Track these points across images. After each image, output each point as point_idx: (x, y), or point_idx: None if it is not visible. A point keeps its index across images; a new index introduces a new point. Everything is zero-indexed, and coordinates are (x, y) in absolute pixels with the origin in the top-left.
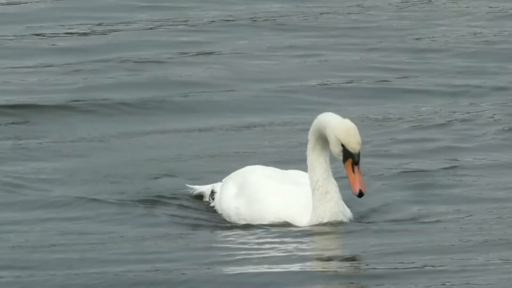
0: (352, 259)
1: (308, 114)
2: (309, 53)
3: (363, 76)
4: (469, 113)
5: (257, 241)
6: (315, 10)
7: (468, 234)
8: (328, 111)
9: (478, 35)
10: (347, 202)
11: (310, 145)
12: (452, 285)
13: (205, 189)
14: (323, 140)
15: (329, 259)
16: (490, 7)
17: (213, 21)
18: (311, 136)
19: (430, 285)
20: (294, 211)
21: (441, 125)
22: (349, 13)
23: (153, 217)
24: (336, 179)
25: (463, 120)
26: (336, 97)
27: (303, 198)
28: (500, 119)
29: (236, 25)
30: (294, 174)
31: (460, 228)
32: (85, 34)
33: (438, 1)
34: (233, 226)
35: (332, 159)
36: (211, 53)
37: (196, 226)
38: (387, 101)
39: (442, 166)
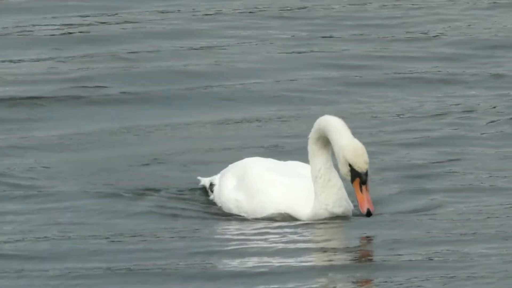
0: (353, 250)
1: (306, 106)
2: (303, 43)
3: (360, 66)
4: (466, 104)
5: (258, 232)
6: (315, 3)
7: (469, 225)
8: (325, 103)
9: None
10: (348, 195)
11: (311, 142)
12: (454, 276)
13: (204, 181)
14: (324, 139)
15: (330, 251)
16: None
17: (217, 13)
18: (312, 137)
19: (432, 276)
20: (295, 203)
21: (439, 115)
22: (343, 6)
23: (151, 209)
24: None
25: (462, 112)
26: (334, 90)
27: (304, 190)
28: (502, 111)
29: (234, 16)
30: (294, 165)
31: (462, 219)
32: (80, 25)
33: None
34: (233, 218)
35: (332, 158)
36: (211, 47)
37: (195, 218)
38: (384, 92)
39: (442, 157)
